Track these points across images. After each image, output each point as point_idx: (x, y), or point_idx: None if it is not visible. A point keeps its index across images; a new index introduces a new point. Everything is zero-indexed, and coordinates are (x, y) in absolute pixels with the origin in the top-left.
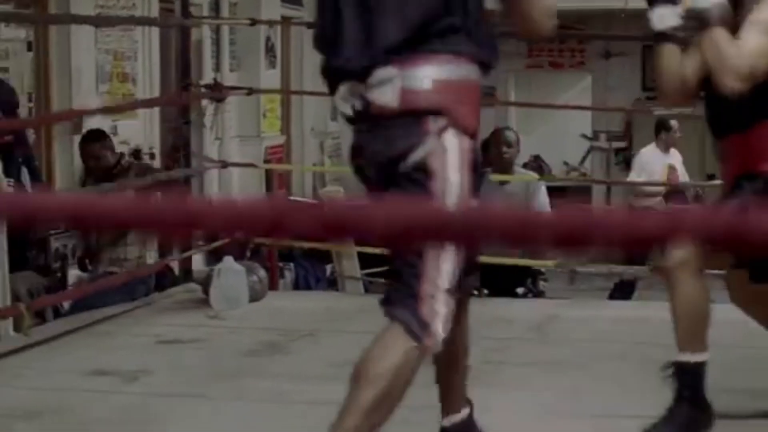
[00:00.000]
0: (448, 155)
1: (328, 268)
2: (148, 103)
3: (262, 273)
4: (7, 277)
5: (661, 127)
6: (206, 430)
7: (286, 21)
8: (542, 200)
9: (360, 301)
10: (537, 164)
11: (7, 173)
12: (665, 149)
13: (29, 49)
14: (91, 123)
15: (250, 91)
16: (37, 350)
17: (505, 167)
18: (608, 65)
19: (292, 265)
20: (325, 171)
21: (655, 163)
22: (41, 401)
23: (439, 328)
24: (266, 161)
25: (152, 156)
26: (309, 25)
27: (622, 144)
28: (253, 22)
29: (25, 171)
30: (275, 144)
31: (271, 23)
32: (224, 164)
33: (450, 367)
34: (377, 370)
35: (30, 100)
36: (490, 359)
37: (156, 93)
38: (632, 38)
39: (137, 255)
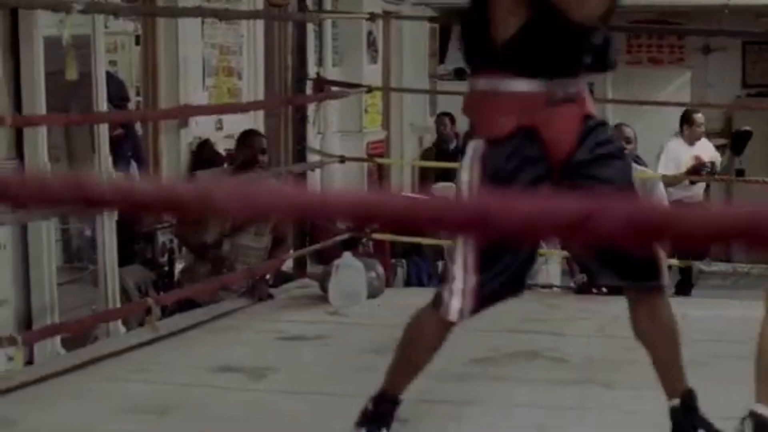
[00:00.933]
0: (464, 158)
1: (440, 264)
2: (289, 101)
3: (380, 269)
4: (117, 270)
5: (684, 121)
6: (338, 429)
7: (387, 15)
8: (659, 198)
9: None
10: (633, 161)
11: (117, 167)
12: (690, 142)
13: (137, 42)
14: (199, 118)
15: (370, 89)
16: (159, 345)
17: None
18: (708, 61)
19: (404, 261)
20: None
21: (681, 154)
22: (168, 397)
23: (455, 303)
24: (369, 156)
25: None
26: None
27: (721, 141)
28: (372, 17)
29: (134, 164)
30: (376, 139)
31: (385, 17)
32: (342, 159)
33: (652, 352)
34: (406, 330)
35: (138, 94)
36: (623, 359)
37: (260, 87)
38: (734, 34)
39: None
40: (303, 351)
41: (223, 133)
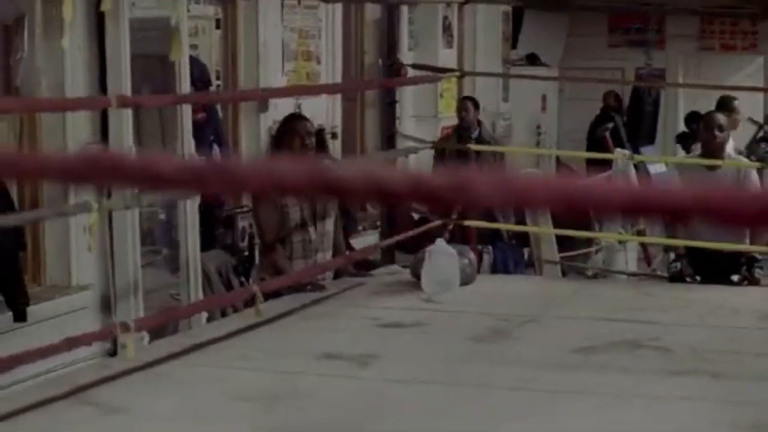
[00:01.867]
0: None
1: (526, 251)
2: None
3: (472, 256)
4: (199, 255)
5: (724, 107)
6: (445, 417)
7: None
8: (754, 186)
9: (570, 285)
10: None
11: (199, 151)
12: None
13: (217, 26)
14: (278, 102)
15: (463, 74)
16: (257, 332)
17: (717, 151)
18: None
19: (490, 248)
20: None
21: None
22: (276, 385)
23: None
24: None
25: (334, 136)
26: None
27: None
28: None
29: (216, 148)
30: (450, 124)
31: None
32: (435, 145)
33: None
34: None
35: (217, 78)
36: (727, 349)
37: (338, 72)
38: None
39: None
40: (403, 338)
41: None
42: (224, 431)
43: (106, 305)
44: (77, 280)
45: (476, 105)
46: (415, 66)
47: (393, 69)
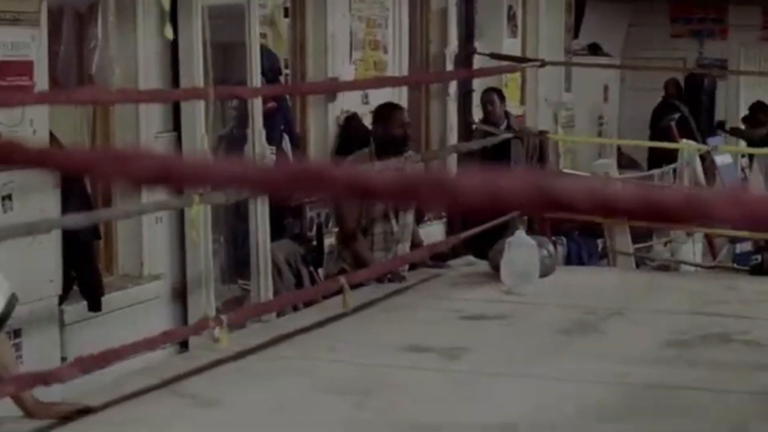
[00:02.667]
0: None
1: (599, 242)
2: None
3: (551, 247)
4: (269, 245)
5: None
6: (541, 412)
7: None
8: None
9: (646, 277)
10: None
11: (270, 141)
12: None
13: (286, 14)
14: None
15: (543, 63)
16: (339, 323)
17: None
18: None
19: (564, 239)
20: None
21: None
22: (367, 377)
23: None
24: None
25: None
26: None
27: None
28: None
29: (286, 138)
30: (515, 114)
31: None
32: (518, 135)
33: None
34: None
35: (286, 67)
36: None
37: (405, 61)
38: None
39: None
40: (490, 331)
41: (369, 107)
42: (320, 425)
43: (178, 295)
44: (149, 269)
45: (502, 97)
46: (493, 56)
47: (471, 58)
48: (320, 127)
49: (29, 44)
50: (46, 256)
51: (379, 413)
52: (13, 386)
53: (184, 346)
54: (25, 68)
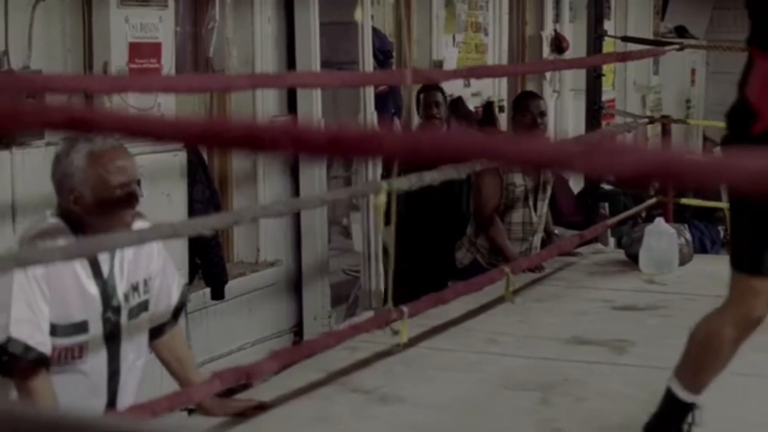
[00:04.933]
0: None
1: (721, 229)
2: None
3: (688, 235)
4: (381, 230)
5: None
6: (728, 405)
7: None
8: None
9: None
10: None
11: (381, 123)
12: None
13: None
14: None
15: (682, 47)
16: (488, 314)
17: None
18: None
19: (685, 226)
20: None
21: None
22: (542, 372)
23: None
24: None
25: (501, 109)
26: None
27: None
28: None
29: (397, 121)
30: (607, 98)
31: None
32: (651, 119)
33: None
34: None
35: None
36: None
37: (504, 43)
38: None
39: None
40: (647, 323)
41: (471, 90)
42: (510, 423)
43: (293, 282)
44: (265, 256)
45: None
46: (625, 38)
47: (601, 41)
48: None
49: (157, 25)
50: (175, 245)
51: (566, 410)
52: (218, 382)
53: (298, 335)
54: (154, 50)
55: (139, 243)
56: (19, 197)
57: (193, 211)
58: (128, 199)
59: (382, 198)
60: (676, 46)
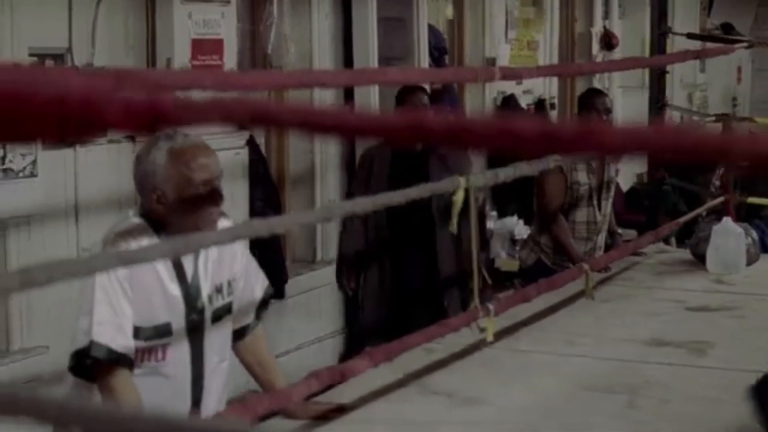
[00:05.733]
0: None
1: None
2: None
3: (755, 234)
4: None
5: None
6: None
7: None
8: None
9: None
10: None
11: None
12: None
13: None
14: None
15: (751, 44)
16: (561, 313)
17: None
18: None
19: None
20: None
21: None
22: (624, 374)
23: None
24: None
25: (552, 106)
26: None
27: None
28: None
29: None
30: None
31: None
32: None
33: None
34: None
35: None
36: None
37: (555, 40)
38: None
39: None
40: (722, 324)
41: (522, 87)
42: (602, 427)
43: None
44: (322, 254)
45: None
46: (691, 36)
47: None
48: (477, 107)
49: (219, 21)
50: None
51: (655, 413)
52: (315, 382)
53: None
54: (216, 47)
55: (230, 241)
56: (82, 195)
57: (253, 210)
58: (212, 196)
59: (460, 195)
60: (745, 44)
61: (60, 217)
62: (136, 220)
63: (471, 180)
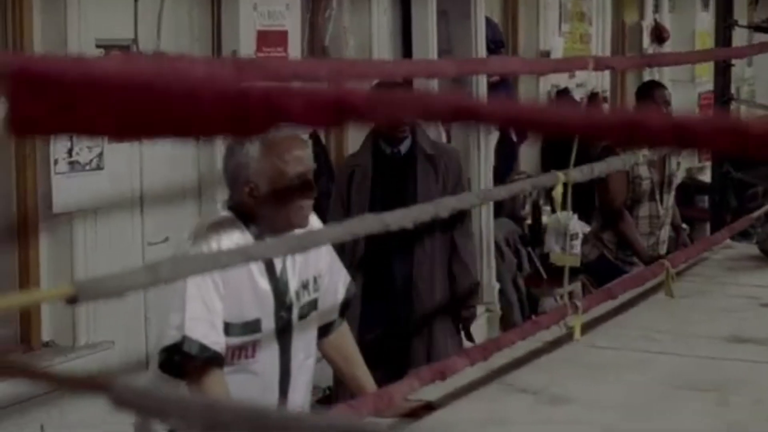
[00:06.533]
0: None
1: None
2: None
3: None
4: (492, 223)
5: None
6: None
7: None
8: None
9: None
10: None
11: None
12: None
13: None
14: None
15: None
16: (636, 310)
17: None
18: None
19: None
20: None
21: None
22: (709, 371)
23: None
24: (699, 107)
25: (605, 99)
26: None
27: None
28: None
29: None
30: (705, 90)
31: None
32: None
33: None
34: None
35: None
36: None
37: (608, 33)
38: None
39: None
40: None
41: (575, 81)
42: (699, 426)
43: None
44: None
45: None
46: (758, 28)
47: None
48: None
49: (284, 13)
50: None
51: (751, 412)
52: (416, 381)
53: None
54: (281, 38)
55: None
56: (147, 187)
57: (317, 203)
58: (305, 189)
59: (559, 189)
60: None
61: (126, 209)
62: (225, 213)
63: (570, 175)
